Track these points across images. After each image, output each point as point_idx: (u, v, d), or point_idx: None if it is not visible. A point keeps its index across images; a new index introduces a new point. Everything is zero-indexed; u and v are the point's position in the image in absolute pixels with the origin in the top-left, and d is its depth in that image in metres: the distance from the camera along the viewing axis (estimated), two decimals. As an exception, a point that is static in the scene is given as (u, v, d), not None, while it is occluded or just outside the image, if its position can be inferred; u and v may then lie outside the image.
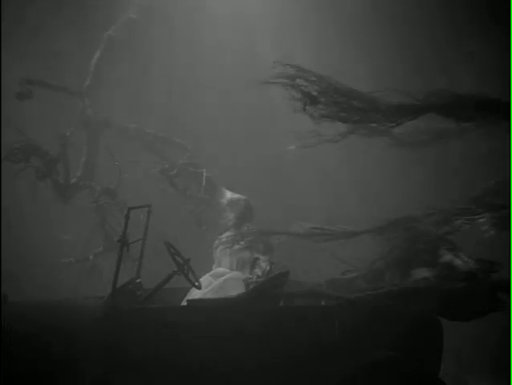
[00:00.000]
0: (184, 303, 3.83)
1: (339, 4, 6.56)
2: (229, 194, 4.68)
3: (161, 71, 6.83)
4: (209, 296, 3.71)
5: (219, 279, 3.91)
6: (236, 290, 3.69)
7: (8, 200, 6.35)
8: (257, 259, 4.01)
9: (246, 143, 6.82)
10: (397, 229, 3.49)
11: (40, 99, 6.19)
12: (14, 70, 6.23)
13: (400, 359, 3.23)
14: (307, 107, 3.20)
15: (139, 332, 3.33)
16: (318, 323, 3.35)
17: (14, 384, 3.29)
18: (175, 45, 6.78)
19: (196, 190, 6.01)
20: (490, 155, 4.87)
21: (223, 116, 6.88)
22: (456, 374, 4.90)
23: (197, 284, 3.72)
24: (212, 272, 4.11)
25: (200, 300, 3.64)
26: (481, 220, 3.22)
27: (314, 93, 3.20)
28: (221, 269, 4.10)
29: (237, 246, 4.07)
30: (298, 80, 3.21)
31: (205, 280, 3.94)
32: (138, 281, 4.18)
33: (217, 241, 4.29)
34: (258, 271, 3.92)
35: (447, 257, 3.17)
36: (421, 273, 3.19)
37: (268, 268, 3.90)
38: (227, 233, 4.25)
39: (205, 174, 5.95)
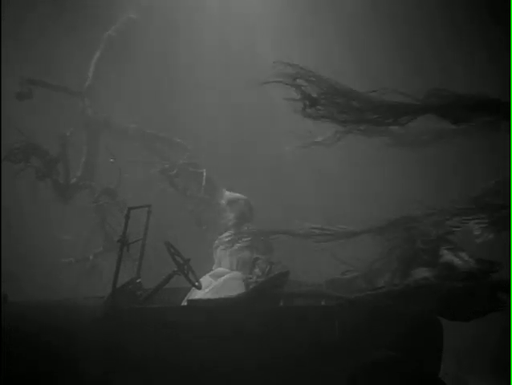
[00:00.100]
0: (184, 303, 3.83)
1: (339, 4, 6.56)
2: (229, 194, 4.67)
3: (161, 71, 6.83)
4: (209, 296, 3.71)
5: (219, 279, 3.91)
6: (236, 290, 3.69)
7: (8, 200, 6.35)
8: (257, 259, 4.01)
9: (246, 143, 6.82)
10: (397, 229, 3.49)
11: (40, 99, 6.19)
12: (14, 71, 6.24)
13: (400, 359, 3.23)
14: (307, 109, 3.20)
15: (139, 332, 3.34)
16: (318, 323, 3.35)
17: (14, 384, 3.29)
18: (175, 45, 6.78)
19: (196, 190, 6.01)
20: (490, 155, 4.87)
21: (223, 116, 6.87)
22: (456, 374, 4.90)
23: (197, 284, 3.72)
24: (212, 272, 4.11)
25: (200, 300, 3.64)
26: (480, 220, 3.22)
27: (314, 95, 3.20)
28: (221, 269, 4.10)
29: (237, 246, 4.07)
30: (298, 80, 3.21)
31: (205, 280, 3.94)
32: (138, 281, 4.18)
33: (217, 241, 4.29)
34: (257, 271, 3.92)
35: (447, 257, 3.17)
36: (421, 273, 3.19)
37: (268, 268, 3.90)
38: (227, 233, 4.25)
39: (205, 174, 5.95)
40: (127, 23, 6.63)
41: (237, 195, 4.51)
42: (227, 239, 4.13)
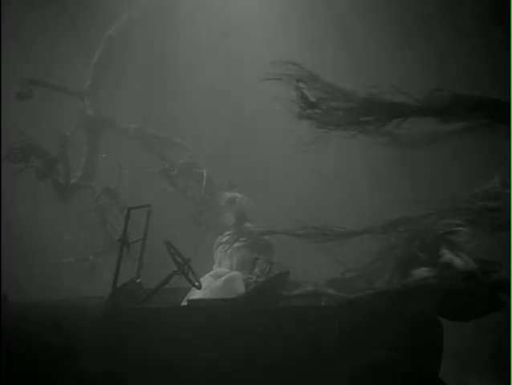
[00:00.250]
0: (184, 303, 3.83)
1: (339, 4, 6.56)
2: (228, 194, 4.67)
3: (161, 71, 6.83)
4: (209, 296, 3.70)
5: (219, 279, 3.91)
6: (236, 290, 3.69)
7: (8, 200, 6.36)
8: (257, 259, 4.01)
9: (246, 143, 6.82)
10: (397, 229, 3.49)
11: (40, 99, 6.20)
12: (14, 71, 6.24)
13: (400, 359, 3.23)
14: (305, 113, 3.20)
15: (139, 332, 3.34)
16: (318, 323, 3.35)
17: (14, 384, 3.29)
18: (175, 44, 6.78)
19: (196, 190, 6.01)
20: (490, 155, 4.87)
21: (223, 116, 6.87)
22: (456, 374, 4.90)
23: (197, 284, 3.72)
24: (212, 272, 4.10)
25: (200, 300, 3.64)
26: (480, 220, 3.22)
27: (313, 99, 3.20)
28: (221, 269, 4.10)
29: (237, 245, 4.07)
30: (296, 81, 3.21)
31: (205, 280, 3.94)
32: (138, 281, 4.18)
33: (217, 241, 4.30)
34: (257, 271, 3.92)
35: (447, 257, 3.17)
36: (421, 273, 3.19)
37: (268, 268, 3.90)
38: (227, 233, 4.25)
39: (205, 174, 5.95)
40: (127, 23, 6.63)
41: (237, 195, 4.51)
42: (227, 239, 4.13)
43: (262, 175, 6.68)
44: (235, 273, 3.99)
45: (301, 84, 3.21)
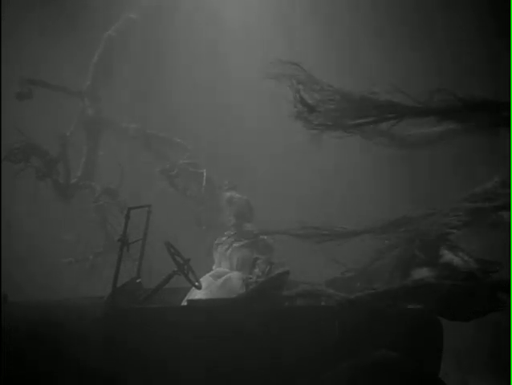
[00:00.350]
0: (184, 303, 3.83)
1: (339, 4, 6.56)
2: (228, 194, 4.67)
3: (162, 71, 6.83)
4: (209, 296, 3.71)
5: (219, 279, 3.91)
6: (236, 290, 3.69)
7: (8, 200, 6.35)
8: (257, 259, 4.01)
9: (246, 143, 6.82)
10: (397, 229, 3.49)
11: (40, 99, 6.19)
12: (14, 71, 6.24)
13: (400, 359, 3.23)
14: (303, 115, 3.20)
15: (139, 332, 3.33)
16: (318, 323, 3.35)
17: (14, 384, 3.29)
18: (175, 44, 6.78)
19: (196, 190, 6.01)
20: (490, 155, 4.87)
21: (223, 116, 6.87)
22: (456, 374, 4.90)
23: (197, 284, 3.72)
24: (212, 272, 4.11)
25: (200, 300, 3.65)
26: (479, 220, 3.22)
27: (311, 101, 3.20)
28: (221, 269, 4.10)
29: (237, 245, 4.07)
30: (295, 83, 3.21)
31: (205, 280, 3.94)
32: (138, 281, 4.18)
33: (217, 241, 4.30)
34: (257, 271, 3.92)
35: (447, 257, 3.17)
36: (421, 273, 3.19)
37: (268, 268, 3.90)
38: (227, 233, 4.25)
39: (205, 174, 5.95)
40: (127, 23, 6.63)
41: (237, 195, 4.51)
42: (227, 239, 4.13)
43: (262, 175, 6.68)
44: (235, 273, 4.00)
45: (300, 86, 3.20)
